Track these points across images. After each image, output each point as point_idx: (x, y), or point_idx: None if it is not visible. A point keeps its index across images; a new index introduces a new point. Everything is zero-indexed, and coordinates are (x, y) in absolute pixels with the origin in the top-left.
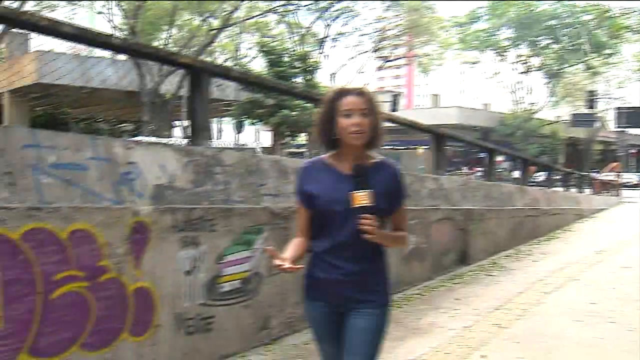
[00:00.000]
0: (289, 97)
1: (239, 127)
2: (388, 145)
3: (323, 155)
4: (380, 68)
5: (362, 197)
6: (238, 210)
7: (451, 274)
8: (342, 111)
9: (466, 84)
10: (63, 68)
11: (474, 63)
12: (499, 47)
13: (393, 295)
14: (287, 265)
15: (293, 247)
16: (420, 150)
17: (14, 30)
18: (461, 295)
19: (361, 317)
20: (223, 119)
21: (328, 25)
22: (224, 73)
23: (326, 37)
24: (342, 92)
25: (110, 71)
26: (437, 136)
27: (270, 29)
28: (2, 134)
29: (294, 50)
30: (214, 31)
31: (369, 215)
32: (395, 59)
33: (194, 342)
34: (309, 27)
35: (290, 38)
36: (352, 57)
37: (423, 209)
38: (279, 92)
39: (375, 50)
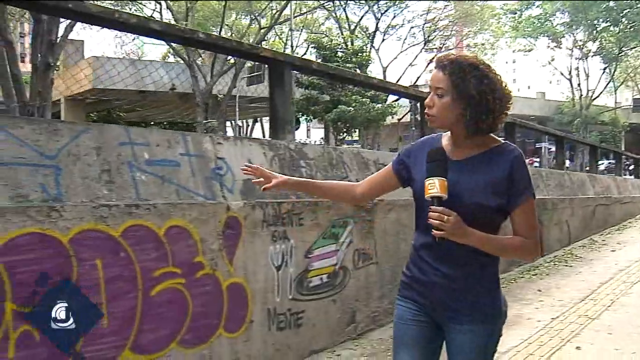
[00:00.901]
0: (345, 93)
1: (296, 124)
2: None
3: (445, 133)
4: (431, 60)
5: (431, 186)
6: (324, 203)
7: (528, 265)
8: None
9: (518, 73)
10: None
11: (527, 51)
12: (553, 33)
13: None
14: (267, 183)
15: (322, 181)
16: None
17: (69, 37)
18: (542, 287)
19: (458, 335)
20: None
21: (378, 18)
22: (304, 65)
23: (376, 30)
24: (433, 64)
25: (162, 73)
26: (508, 125)
27: (319, 25)
28: (98, 132)
29: (346, 46)
30: (263, 30)
31: (438, 208)
32: (447, 50)
33: (285, 337)
34: (358, 22)
35: (339, 33)
36: (403, 50)
37: None
38: (355, 84)
39: (427, 42)
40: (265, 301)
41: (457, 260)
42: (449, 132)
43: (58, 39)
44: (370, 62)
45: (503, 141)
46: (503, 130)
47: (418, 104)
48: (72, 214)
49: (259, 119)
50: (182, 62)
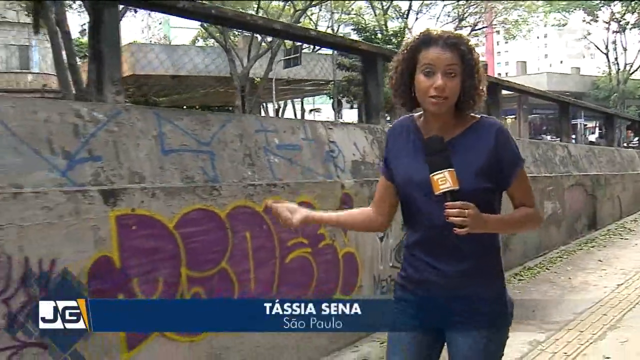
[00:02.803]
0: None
1: (339, 106)
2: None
3: (416, 114)
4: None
5: (442, 181)
6: None
7: (584, 238)
8: (423, 66)
9: (550, 48)
10: (155, 57)
11: (561, 25)
12: (589, 7)
13: (535, 259)
14: (292, 218)
15: (347, 213)
16: (509, 119)
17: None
18: (602, 257)
19: (463, 337)
20: (315, 97)
21: None
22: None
23: (409, 10)
24: (427, 39)
25: (198, 59)
26: (562, 104)
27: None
28: (238, 122)
29: (380, 26)
30: (298, 12)
31: (456, 203)
32: (481, 28)
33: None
34: (391, 1)
35: (371, 13)
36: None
37: (557, 175)
38: None
39: (461, 20)
40: (371, 268)
41: (454, 256)
42: (420, 112)
43: None
44: None
45: (480, 116)
46: (558, 110)
47: None
48: (227, 192)
49: (289, 101)
50: (215, 46)
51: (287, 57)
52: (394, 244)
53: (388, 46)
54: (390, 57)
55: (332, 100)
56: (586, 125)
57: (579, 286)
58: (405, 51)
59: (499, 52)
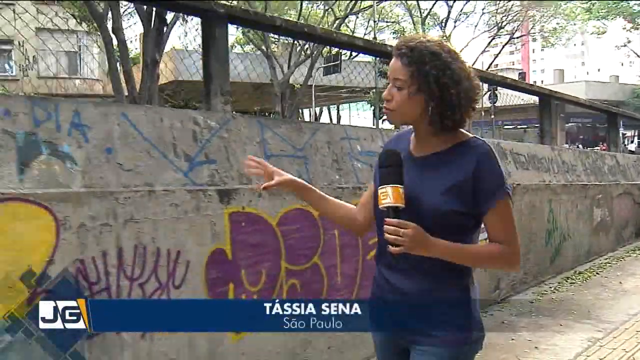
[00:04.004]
0: None
1: (380, 114)
2: (509, 123)
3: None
4: (504, 45)
5: (383, 195)
6: None
7: (631, 245)
8: None
9: (587, 56)
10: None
11: (600, 33)
12: (630, 14)
13: (585, 264)
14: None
15: (334, 201)
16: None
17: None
18: None
19: (421, 356)
20: (351, 104)
21: (450, 6)
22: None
23: (447, 18)
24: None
25: (238, 65)
26: (610, 114)
27: (388, 13)
28: (327, 130)
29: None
30: (338, 20)
31: (392, 221)
32: (520, 36)
33: None
34: (430, 9)
35: (408, 21)
36: (475, 37)
37: (607, 184)
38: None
39: (500, 29)
40: None
41: (415, 274)
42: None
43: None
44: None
45: (471, 136)
46: (606, 121)
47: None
48: None
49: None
50: (254, 52)
51: (327, 65)
52: None
53: None
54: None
55: (372, 107)
56: (625, 134)
57: (631, 290)
58: None
59: (534, 60)
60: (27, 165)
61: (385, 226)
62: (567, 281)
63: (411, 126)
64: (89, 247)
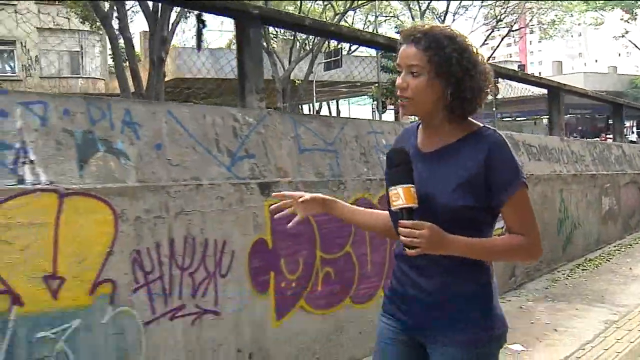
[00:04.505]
0: None
1: (382, 108)
2: (508, 116)
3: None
4: (505, 35)
5: (395, 197)
6: None
7: (638, 233)
8: (397, 66)
9: (584, 47)
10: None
11: (597, 24)
12: (628, 5)
13: (595, 251)
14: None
15: (368, 211)
16: (545, 119)
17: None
18: None
19: (439, 356)
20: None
21: None
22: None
23: (447, 12)
24: (401, 36)
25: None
26: (616, 106)
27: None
28: (354, 124)
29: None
30: (338, 15)
31: (407, 222)
32: (518, 28)
33: None
34: (428, 4)
35: (406, 15)
36: (474, 30)
37: (614, 173)
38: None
39: (498, 21)
40: None
41: (433, 270)
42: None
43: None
44: None
45: (481, 125)
46: (611, 111)
47: None
48: (351, 186)
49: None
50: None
51: (327, 60)
52: None
53: None
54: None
55: (374, 102)
56: (624, 125)
57: None
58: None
59: (532, 52)
60: (86, 161)
61: (400, 229)
62: (578, 268)
63: (414, 123)
64: (144, 239)
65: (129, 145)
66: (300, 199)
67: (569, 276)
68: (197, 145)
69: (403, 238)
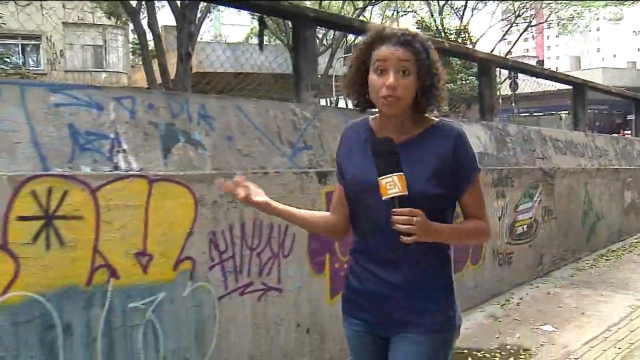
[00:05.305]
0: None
1: None
2: (525, 111)
3: (372, 116)
4: (522, 33)
5: (390, 185)
6: (525, 170)
7: None
8: (375, 63)
9: (603, 42)
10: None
11: (617, 19)
12: None
13: (617, 243)
14: (253, 196)
15: (309, 212)
16: (563, 115)
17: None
18: None
19: (403, 345)
20: None
21: None
22: (503, 62)
23: (465, 7)
24: (381, 36)
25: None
26: (638, 101)
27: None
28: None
29: (442, 24)
30: (358, 10)
31: (404, 210)
32: (536, 24)
33: (502, 271)
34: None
35: (424, 9)
36: (492, 26)
37: (637, 168)
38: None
39: (518, 16)
40: (492, 244)
41: (411, 264)
42: (376, 115)
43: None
44: (475, 41)
45: (439, 119)
46: (632, 107)
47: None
48: None
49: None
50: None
51: (347, 55)
52: (508, 223)
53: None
54: (500, 63)
55: None
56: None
57: None
58: (360, 49)
59: (549, 47)
60: (169, 151)
61: (395, 217)
62: (602, 258)
63: (360, 119)
64: (220, 221)
65: (204, 137)
66: (249, 195)
67: (593, 265)
68: (263, 137)
69: (399, 226)
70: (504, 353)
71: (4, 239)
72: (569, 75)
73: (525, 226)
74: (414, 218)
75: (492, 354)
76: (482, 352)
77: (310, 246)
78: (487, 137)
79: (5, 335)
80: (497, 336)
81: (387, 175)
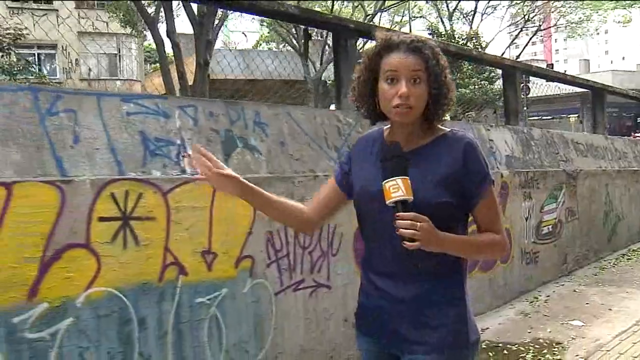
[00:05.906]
0: (461, 77)
1: None
2: (534, 115)
3: (386, 127)
4: (531, 37)
5: (394, 189)
6: (549, 172)
7: None
8: (386, 73)
9: (611, 44)
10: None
11: (626, 22)
12: None
13: (638, 242)
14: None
15: (280, 199)
16: (572, 118)
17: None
18: None
19: None
20: None
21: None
22: (529, 69)
23: (475, 12)
24: (390, 44)
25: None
26: None
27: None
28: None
29: (454, 32)
30: (368, 17)
31: (408, 214)
32: (546, 28)
33: (529, 270)
34: (457, 4)
35: (432, 14)
36: (501, 30)
37: None
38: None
39: (527, 21)
40: (519, 243)
41: (410, 277)
42: (389, 125)
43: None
44: (486, 46)
45: (450, 129)
46: None
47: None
48: None
49: None
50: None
51: (358, 62)
52: (534, 224)
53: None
54: (525, 70)
55: None
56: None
57: None
58: (367, 58)
59: (557, 50)
60: (229, 155)
61: (399, 221)
62: (623, 257)
63: (375, 129)
64: (275, 222)
65: (260, 142)
66: (217, 170)
67: (615, 264)
68: (311, 142)
69: (403, 231)
70: (537, 346)
71: (88, 238)
72: (588, 80)
73: (550, 226)
74: (419, 223)
75: (526, 347)
76: (517, 345)
77: (356, 245)
78: (513, 141)
79: (89, 328)
80: (529, 331)
81: (392, 179)
